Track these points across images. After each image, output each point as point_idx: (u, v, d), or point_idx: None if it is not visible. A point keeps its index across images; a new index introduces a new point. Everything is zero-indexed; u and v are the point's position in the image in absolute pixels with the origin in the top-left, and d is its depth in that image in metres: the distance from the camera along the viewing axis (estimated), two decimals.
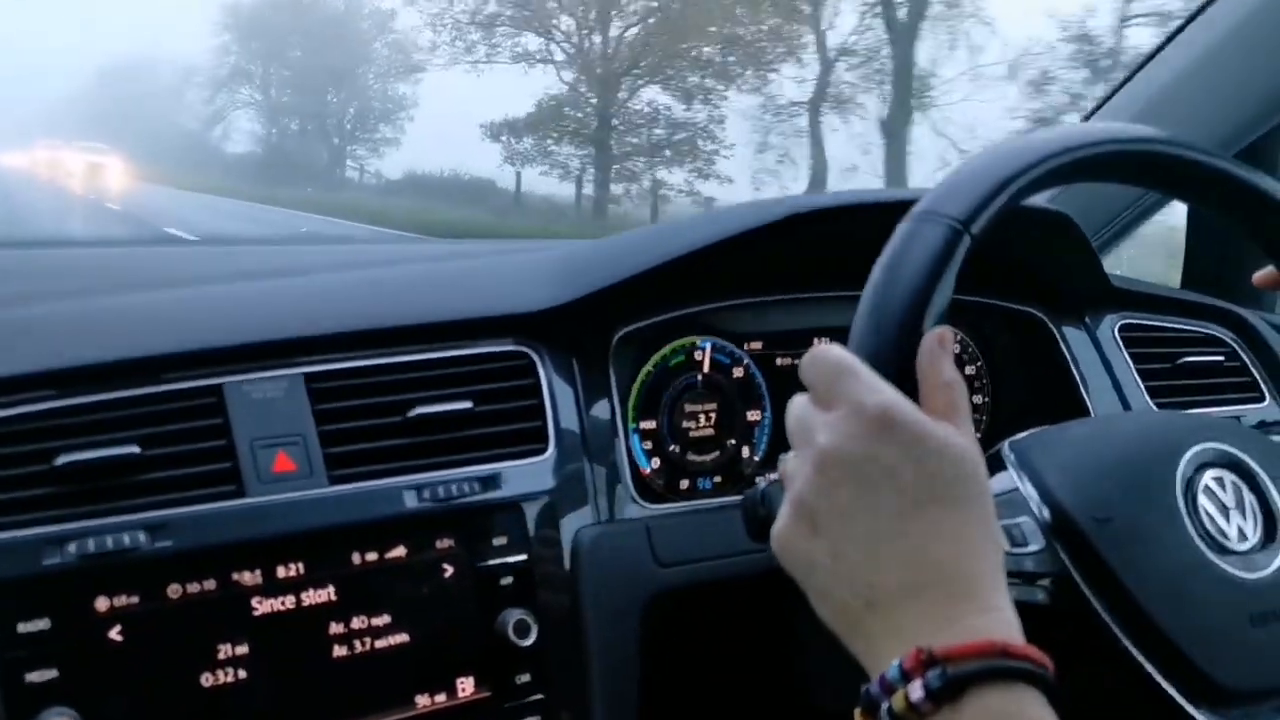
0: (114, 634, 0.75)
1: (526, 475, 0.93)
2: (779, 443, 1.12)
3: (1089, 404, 1.17)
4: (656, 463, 1.07)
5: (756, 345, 1.12)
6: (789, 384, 1.12)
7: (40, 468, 0.76)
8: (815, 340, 1.13)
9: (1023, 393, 1.23)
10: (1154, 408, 1.19)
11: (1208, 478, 0.74)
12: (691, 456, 1.09)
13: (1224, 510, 0.73)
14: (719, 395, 1.10)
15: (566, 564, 0.92)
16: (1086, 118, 1.50)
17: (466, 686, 0.87)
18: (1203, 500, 0.73)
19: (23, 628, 0.73)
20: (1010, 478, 0.75)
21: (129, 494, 0.78)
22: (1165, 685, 0.67)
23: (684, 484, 1.08)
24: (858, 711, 0.54)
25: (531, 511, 0.92)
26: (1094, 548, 0.69)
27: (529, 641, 0.88)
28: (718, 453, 1.10)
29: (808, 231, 1.03)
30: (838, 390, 0.59)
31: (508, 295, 0.99)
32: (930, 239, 0.64)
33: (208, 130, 45.08)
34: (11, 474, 0.75)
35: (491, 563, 0.89)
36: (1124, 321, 1.25)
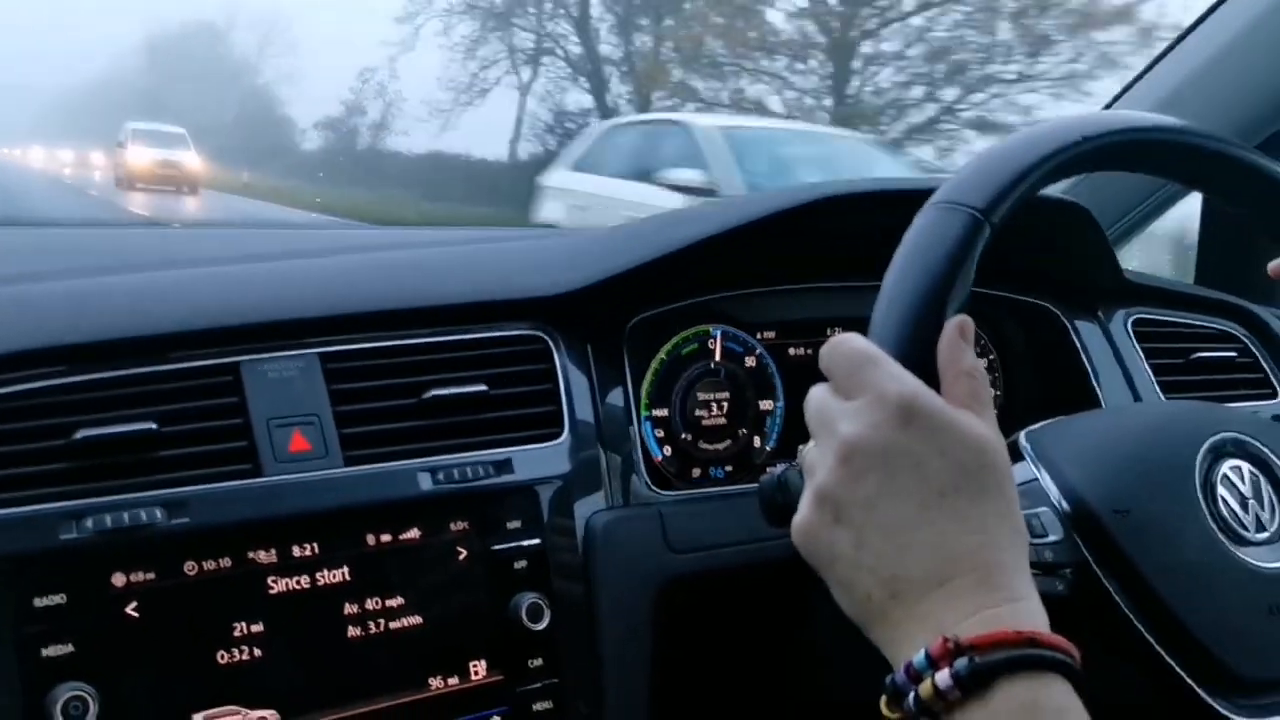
0: (130, 610, 0.75)
1: (541, 459, 0.93)
2: (791, 433, 1.12)
3: (1101, 398, 1.17)
4: (668, 450, 1.07)
5: (770, 334, 1.12)
6: (802, 374, 1.13)
7: (58, 442, 0.76)
8: (829, 330, 1.13)
9: (1035, 386, 1.23)
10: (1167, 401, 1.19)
11: (1225, 468, 0.74)
12: (703, 445, 1.09)
13: (1242, 501, 0.73)
14: (731, 384, 1.10)
15: (580, 548, 0.92)
16: (1107, 107, 1.49)
17: (479, 669, 0.87)
18: (1221, 490, 0.73)
19: (39, 602, 0.73)
20: (1028, 468, 0.75)
21: (146, 470, 0.78)
22: (1184, 675, 0.67)
23: (696, 472, 1.08)
24: (883, 700, 0.54)
25: (545, 496, 0.92)
26: (1113, 539, 0.69)
27: (542, 625, 0.88)
28: (729, 442, 1.10)
29: (823, 220, 1.03)
30: (859, 379, 0.59)
31: (524, 279, 0.99)
32: (950, 228, 0.64)
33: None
34: (29, 448, 0.75)
35: (505, 546, 0.89)
36: (1137, 316, 1.24)
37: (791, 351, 1.13)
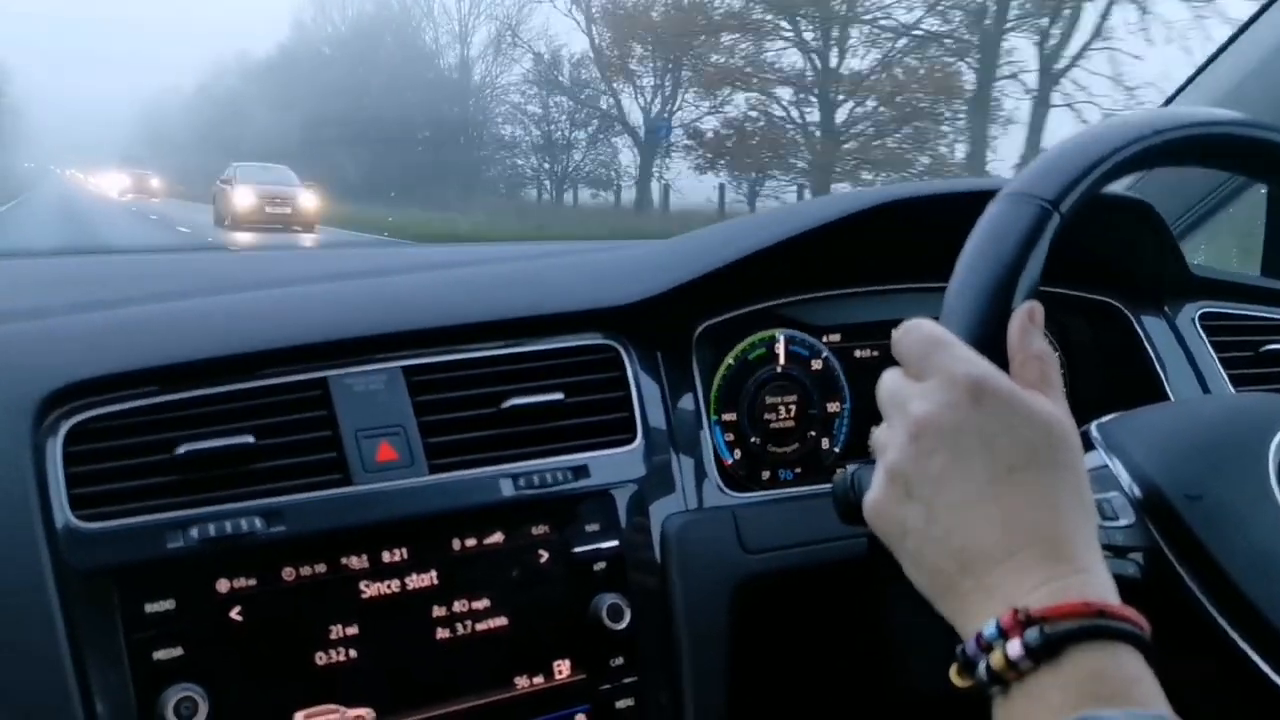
0: (234, 614, 0.79)
1: (616, 464, 0.96)
2: (858, 434, 1.14)
3: (1170, 393, 1.17)
4: (738, 454, 1.09)
5: (835, 337, 1.14)
6: (868, 375, 1.14)
7: (163, 457, 0.80)
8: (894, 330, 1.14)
9: (1101, 382, 1.23)
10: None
11: None
12: (772, 448, 1.10)
13: None
14: (798, 387, 1.12)
15: (656, 550, 0.95)
16: (1168, 102, 1.49)
17: (563, 668, 0.89)
18: None
19: (150, 608, 0.77)
20: (1099, 456, 0.76)
21: (245, 482, 0.82)
22: (1258, 660, 0.67)
23: (765, 475, 1.10)
24: (953, 670, 0.56)
25: (622, 499, 0.94)
26: (1185, 524, 0.70)
27: (622, 625, 0.90)
28: (798, 444, 1.12)
29: (888, 224, 1.05)
30: (931, 361, 0.61)
31: (594, 290, 1.02)
32: (1021, 217, 0.66)
33: None
34: (137, 463, 0.80)
35: (585, 549, 0.91)
36: (1204, 310, 1.24)
37: (857, 354, 1.15)
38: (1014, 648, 0.52)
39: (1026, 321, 0.62)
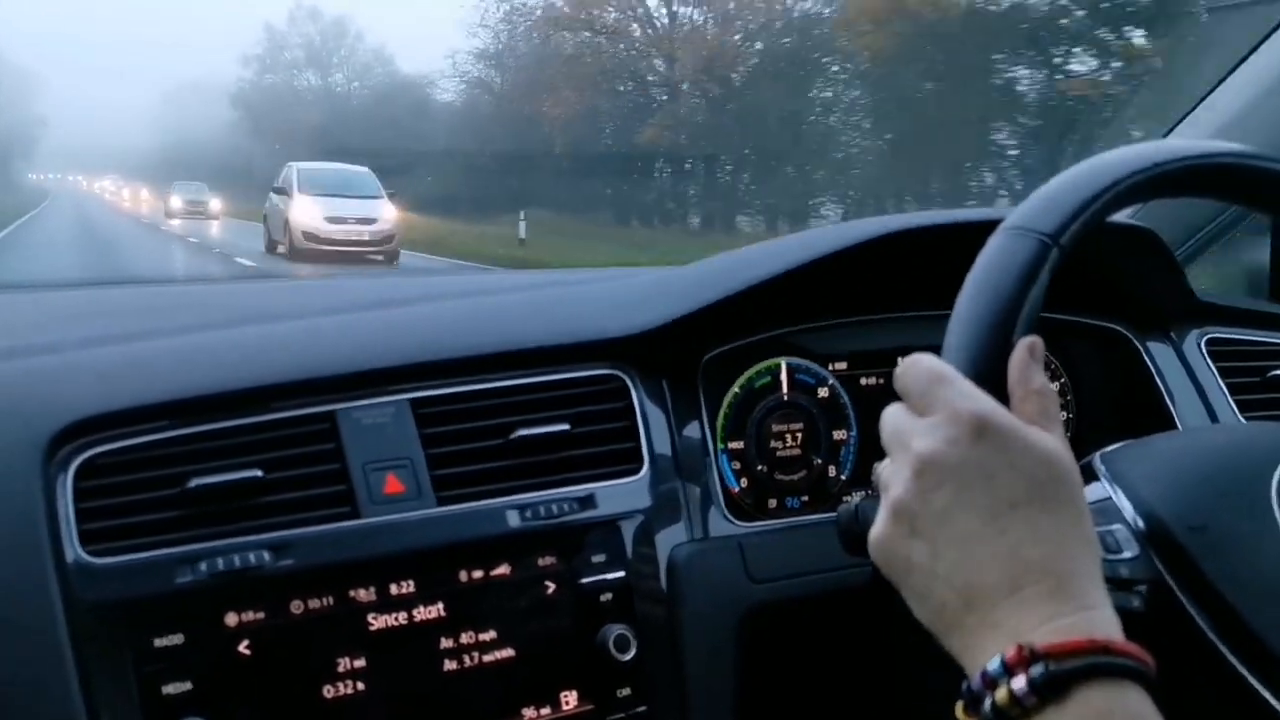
0: (243, 648, 0.79)
1: (623, 494, 0.96)
2: (865, 462, 1.14)
3: (1176, 419, 1.17)
4: (745, 482, 1.09)
5: (841, 365, 1.14)
6: (874, 403, 1.14)
7: (172, 491, 0.81)
8: (899, 359, 1.14)
9: (1107, 409, 1.23)
10: (1243, 421, 1.18)
11: None
12: (779, 476, 1.11)
13: None
14: (805, 415, 1.12)
15: (663, 580, 0.95)
16: (1166, 133, 1.49)
17: (570, 699, 0.89)
18: None
19: (159, 643, 0.77)
20: (1103, 487, 0.76)
21: (253, 515, 0.82)
22: (1263, 692, 0.67)
23: (772, 503, 1.10)
24: (959, 707, 0.56)
25: (628, 530, 0.95)
26: (1190, 556, 0.70)
27: (629, 656, 0.90)
28: (805, 472, 1.12)
29: (893, 253, 1.05)
30: (933, 397, 0.61)
31: (600, 321, 1.03)
32: (1020, 252, 0.66)
33: None
34: (146, 497, 0.80)
35: (591, 579, 0.92)
36: (1210, 335, 1.24)
37: (863, 381, 1.15)
38: (1019, 684, 0.52)
39: (1027, 356, 0.63)
